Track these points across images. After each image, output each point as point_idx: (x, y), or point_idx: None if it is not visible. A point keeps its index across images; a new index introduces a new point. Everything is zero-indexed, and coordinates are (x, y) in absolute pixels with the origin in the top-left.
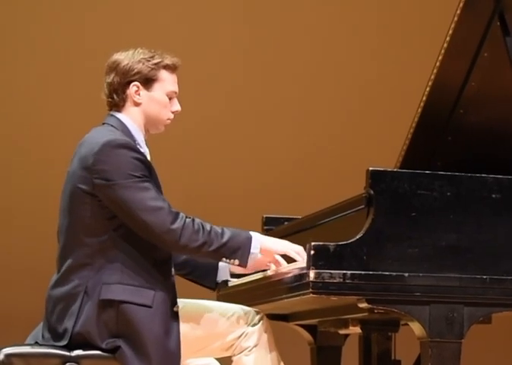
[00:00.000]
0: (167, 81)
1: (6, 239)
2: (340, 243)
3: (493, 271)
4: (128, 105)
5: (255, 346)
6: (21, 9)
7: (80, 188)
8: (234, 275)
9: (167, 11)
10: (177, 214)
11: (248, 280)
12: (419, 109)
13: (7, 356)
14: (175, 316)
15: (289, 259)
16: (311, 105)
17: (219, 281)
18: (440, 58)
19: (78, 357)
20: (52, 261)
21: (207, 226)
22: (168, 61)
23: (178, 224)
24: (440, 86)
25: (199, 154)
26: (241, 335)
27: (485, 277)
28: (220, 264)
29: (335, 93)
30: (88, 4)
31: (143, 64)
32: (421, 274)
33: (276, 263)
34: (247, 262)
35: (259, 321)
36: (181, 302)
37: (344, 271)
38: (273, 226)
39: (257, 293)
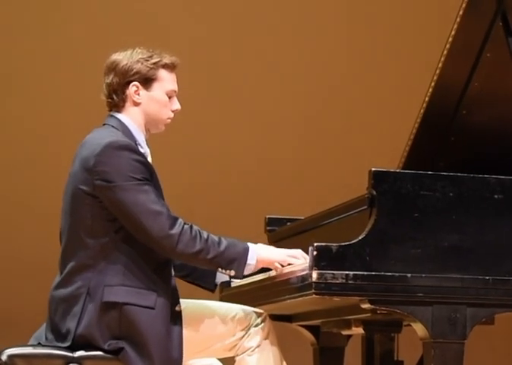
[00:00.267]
0: (166, 80)
1: (8, 240)
2: (343, 244)
3: (496, 272)
4: (128, 105)
5: (258, 346)
6: (21, 9)
7: (81, 189)
8: None
9: (167, 11)
10: (175, 220)
11: (251, 281)
12: (422, 110)
13: (10, 357)
14: (177, 317)
15: None
16: (314, 105)
17: (218, 283)
18: (442, 58)
19: (81, 357)
20: (55, 262)
21: (204, 234)
22: (166, 60)
23: (176, 230)
24: (443, 86)
25: (201, 155)
26: (244, 336)
27: (487, 277)
28: None
29: (338, 93)
30: (88, 4)
31: (142, 64)
32: (423, 275)
33: (279, 268)
34: (243, 273)
35: (262, 321)
36: (183, 302)
37: (347, 272)
38: (275, 227)
39: (260, 294)
